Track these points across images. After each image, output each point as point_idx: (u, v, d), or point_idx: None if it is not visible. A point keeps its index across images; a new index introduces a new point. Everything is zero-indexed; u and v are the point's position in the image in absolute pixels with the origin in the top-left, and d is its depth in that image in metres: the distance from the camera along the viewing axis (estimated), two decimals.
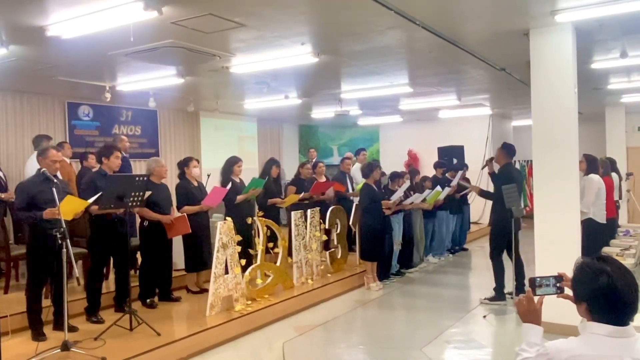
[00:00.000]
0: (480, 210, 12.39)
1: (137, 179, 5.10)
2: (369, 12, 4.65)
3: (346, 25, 5.17)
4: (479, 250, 10.44)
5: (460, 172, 9.50)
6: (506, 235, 6.04)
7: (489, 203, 12.42)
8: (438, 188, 8.47)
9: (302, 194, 7.54)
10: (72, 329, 4.76)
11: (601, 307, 1.81)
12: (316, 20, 5.08)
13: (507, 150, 6.50)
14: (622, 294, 1.78)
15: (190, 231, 5.75)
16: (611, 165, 7.95)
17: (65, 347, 4.18)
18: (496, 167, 6.66)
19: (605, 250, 6.94)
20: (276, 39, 5.43)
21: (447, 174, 9.55)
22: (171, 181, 6.83)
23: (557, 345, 1.87)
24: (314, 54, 5.99)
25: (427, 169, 10.98)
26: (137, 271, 6.04)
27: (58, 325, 4.69)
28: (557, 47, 5.13)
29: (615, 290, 1.78)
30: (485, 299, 6.31)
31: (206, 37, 5.24)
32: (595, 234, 6.51)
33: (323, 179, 8.37)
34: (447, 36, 5.52)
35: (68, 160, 7.22)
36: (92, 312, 5.22)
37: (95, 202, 4.71)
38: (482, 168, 6.96)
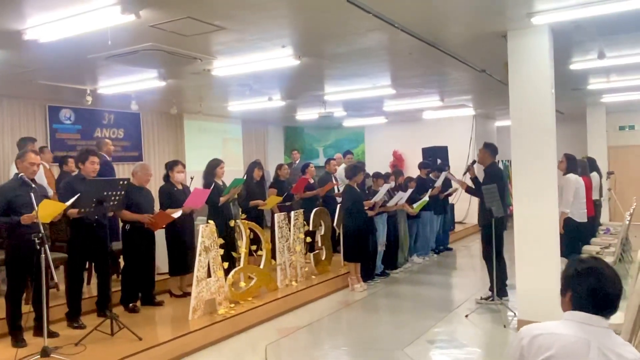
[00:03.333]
0: (464, 210, 12.50)
1: (116, 183, 5.06)
2: (348, 15, 4.67)
3: (326, 28, 5.19)
4: (464, 250, 10.54)
5: (443, 173, 9.59)
6: (498, 235, 6.02)
7: (474, 203, 12.59)
8: (426, 197, 8.55)
9: (285, 195, 7.58)
10: (52, 334, 4.73)
11: (585, 303, 1.89)
12: (296, 23, 5.10)
13: (491, 149, 6.48)
14: (608, 295, 1.88)
15: (176, 217, 5.71)
16: (591, 164, 8.07)
17: (45, 353, 4.15)
18: (480, 168, 6.67)
19: (586, 248, 7.05)
20: (256, 42, 5.43)
21: (431, 175, 9.63)
22: (155, 185, 6.81)
23: (529, 326, 1.96)
24: (295, 57, 6.00)
25: (412, 170, 11.06)
26: (120, 275, 6.01)
27: (38, 331, 4.65)
28: (534, 49, 5.20)
29: (603, 291, 1.88)
30: (481, 298, 6.31)
31: (186, 40, 5.23)
32: (574, 233, 6.60)
33: (312, 181, 8.46)
34: (426, 38, 5.56)
35: (48, 166, 7.14)
36: (73, 317, 5.17)
37: (73, 206, 4.67)
38: (464, 174, 6.89)
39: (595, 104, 11.87)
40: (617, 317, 3.98)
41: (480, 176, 6.60)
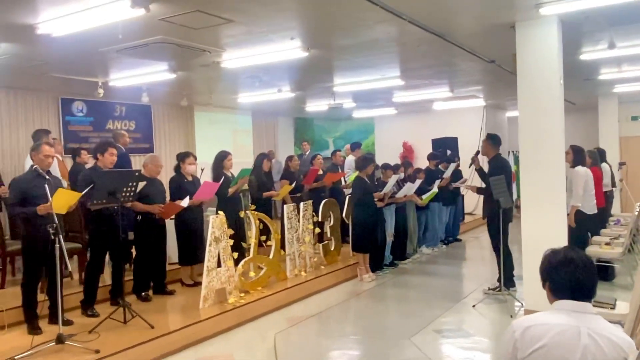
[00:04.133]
0: (474, 201, 12.48)
1: (128, 174, 5.16)
2: (355, 7, 4.70)
3: (334, 20, 5.21)
4: (473, 241, 10.54)
5: (452, 164, 9.59)
6: (504, 226, 6.02)
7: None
8: (435, 189, 8.58)
9: (294, 184, 7.67)
10: (67, 322, 4.87)
11: (563, 292, 2.00)
12: (303, 16, 5.12)
13: (494, 140, 6.41)
14: (583, 282, 1.97)
15: (184, 206, 5.81)
16: (600, 155, 8.02)
17: (59, 340, 4.26)
18: (484, 160, 6.66)
19: (595, 239, 7.04)
20: (264, 34, 5.47)
21: (440, 166, 9.64)
22: (166, 176, 6.90)
23: (521, 319, 2.04)
24: (303, 49, 6.03)
25: (423, 161, 11.06)
26: (132, 265, 6.12)
27: (53, 318, 4.77)
28: (543, 40, 5.18)
29: (577, 279, 1.97)
30: (489, 289, 6.34)
31: (195, 32, 5.29)
32: (583, 225, 6.59)
33: (321, 172, 8.53)
34: (434, 30, 5.56)
35: (60, 157, 7.25)
36: (87, 305, 5.29)
37: (87, 196, 4.77)
38: (470, 166, 6.87)
39: (607, 94, 11.77)
40: (623, 308, 4.02)
41: (485, 168, 6.59)
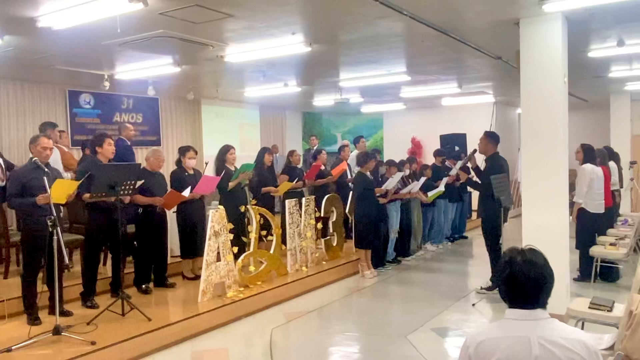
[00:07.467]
0: None
1: (129, 168, 5.18)
2: (354, 2, 4.66)
3: (334, 15, 5.17)
4: (479, 238, 10.38)
5: (459, 162, 9.50)
6: (499, 226, 5.98)
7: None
8: (441, 188, 8.51)
9: (296, 180, 7.64)
10: (66, 313, 4.93)
11: (505, 294, 1.93)
12: (303, 11, 5.07)
13: (493, 138, 6.32)
14: (522, 286, 1.86)
15: (187, 196, 5.85)
16: (609, 154, 7.90)
17: (56, 331, 4.30)
18: (481, 158, 6.56)
19: (601, 239, 6.95)
20: (266, 29, 5.45)
21: (446, 162, 9.57)
22: (170, 169, 6.93)
23: (473, 334, 1.96)
24: (305, 44, 6.01)
25: (431, 157, 10.99)
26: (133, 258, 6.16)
27: (53, 309, 4.81)
28: (547, 37, 5.10)
29: (515, 282, 1.87)
30: (482, 288, 6.33)
31: (197, 27, 5.28)
32: (588, 224, 6.50)
33: (322, 167, 8.48)
34: (437, 26, 5.50)
35: (66, 149, 7.31)
36: (87, 297, 5.34)
37: (87, 186, 4.79)
38: (464, 163, 6.77)
39: (619, 91, 11.56)
40: (620, 310, 3.95)
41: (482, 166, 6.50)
